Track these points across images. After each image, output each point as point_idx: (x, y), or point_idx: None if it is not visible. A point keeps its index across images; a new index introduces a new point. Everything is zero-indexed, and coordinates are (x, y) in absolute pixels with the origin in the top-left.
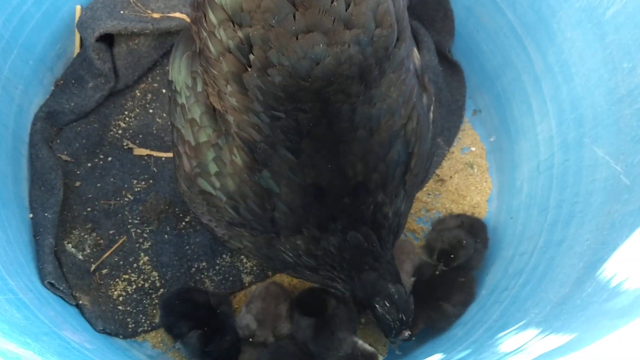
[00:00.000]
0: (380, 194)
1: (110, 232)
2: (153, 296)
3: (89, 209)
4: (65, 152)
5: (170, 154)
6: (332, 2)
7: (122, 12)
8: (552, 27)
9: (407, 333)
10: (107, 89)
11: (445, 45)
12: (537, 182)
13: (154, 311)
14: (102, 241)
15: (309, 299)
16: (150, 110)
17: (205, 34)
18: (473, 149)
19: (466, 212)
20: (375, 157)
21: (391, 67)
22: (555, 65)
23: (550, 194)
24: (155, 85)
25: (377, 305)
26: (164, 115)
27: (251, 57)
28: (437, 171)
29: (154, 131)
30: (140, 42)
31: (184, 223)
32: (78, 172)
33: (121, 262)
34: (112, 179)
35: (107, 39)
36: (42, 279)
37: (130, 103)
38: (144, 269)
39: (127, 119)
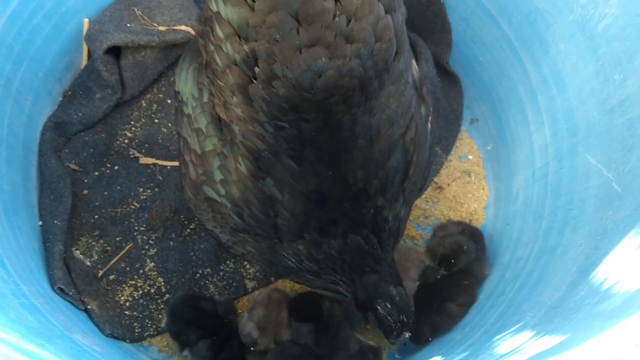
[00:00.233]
0: (380, 198)
1: (117, 239)
2: (159, 301)
3: (96, 217)
4: (73, 161)
5: (175, 163)
6: (334, 17)
7: (128, 25)
8: (547, 39)
9: (407, 334)
10: (114, 100)
11: (443, 57)
12: (533, 189)
13: (160, 316)
14: (109, 248)
15: (302, 304)
16: (156, 120)
17: (212, 47)
18: (470, 157)
19: (464, 219)
20: (375, 164)
21: (390, 79)
22: (550, 76)
23: (545, 201)
24: (160, 95)
25: (378, 307)
26: (169, 125)
27: (256, 69)
28: (436, 179)
29: (160, 140)
30: (146, 54)
31: (188, 230)
32: (86, 181)
33: (128, 268)
34: (118, 187)
35: (114, 51)
36: (52, 284)
37: (136, 113)
38: (150, 275)
39: (133, 128)
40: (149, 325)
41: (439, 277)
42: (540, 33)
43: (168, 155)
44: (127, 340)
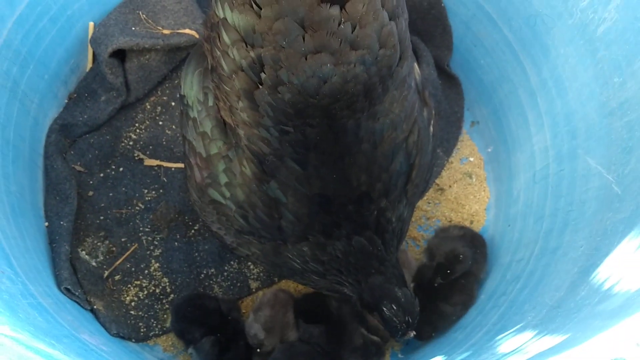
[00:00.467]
0: (384, 200)
1: (122, 239)
2: (164, 301)
3: (101, 218)
4: (79, 163)
5: (179, 165)
6: (339, 24)
7: (133, 28)
8: (547, 43)
9: (412, 333)
10: (119, 102)
11: (444, 60)
12: (533, 191)
13: (165, 316)
14: (114, 248)
15: (309, 305)
16: (160, 123)
17: (218, 53)
18: (471, 159)
19: (465, 220)
20: (379, 168)
21: (394, 85)
22: (550, 79)
23: (546, 202)
24: (164, 98)
25: (384, 309)
26: (173, 127)
27: (262, 75)
28: (437, 180)
29: (164, 142)
30: (150, 57)
31: (193, 231)
32: (91, 182)
33: (133, 269)
34: (123, 189)
35: (119, 54)
36: (58, 284)
37: (140, 115)
38: (155, 275)
39: (137, 130)
40: (154, 325)
41: (436, 285)
42: (540, 37)
43: (172, 157)
44: (133, 340)
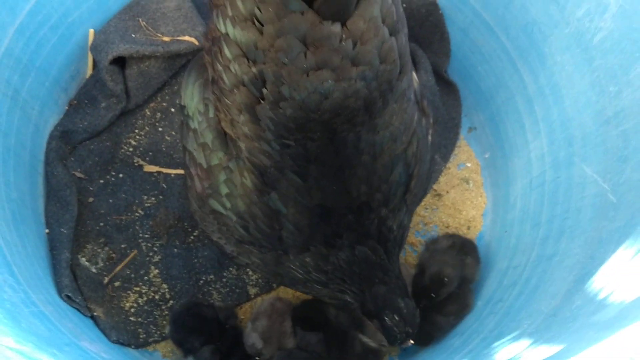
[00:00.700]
0: (384, 209)
1: (122, 246)
2: (163, 307)
3: (101, 224)
4: (79, 170)
5: (178, 171)
6: (340, 41)
7: (133, 35)
8: (543, 51)
9: (410, 342)
10: (119, 109)
11: (442, 66)
12: (530, 198)
13: (164, 322)
14: (114, 255)
15: (307, 312)
16: (160, 129)
17: (220, 67)
18: (469, 164)
19: (462, 226)
20: (379, 179)
21: (393, 98)
22: (547, 87)
23: (542, 209)
24: (164, 104)
25: (386, 318)
26: (173, 133)
27: (264, 91)
28: (435, 186)
29: (163, 149)
30: (150, 64)
31: (192, 237)
32: (91, 189)
33: (132, 275)
34: (123, 195)
35: (119, 61)
36: (59, 291)
37: (140, 122)
38: (154, 282)
39: (137, 137)
40: (154, 331)
41: (421, 306)
42: (537, 44)
43: (172, 163)
44: (133, 346)
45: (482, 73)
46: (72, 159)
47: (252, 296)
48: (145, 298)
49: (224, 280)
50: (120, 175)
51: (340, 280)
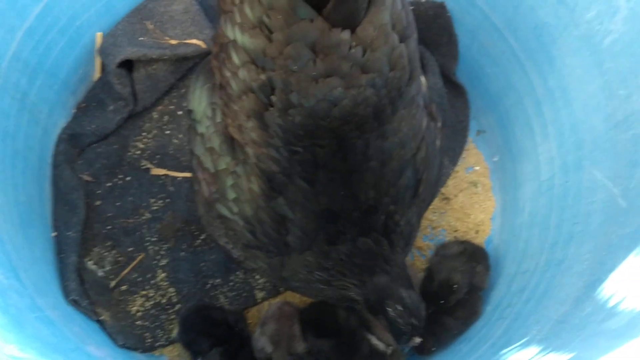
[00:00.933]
0: (392, 206)
1: (129, 249)
2: (170, 311)
3: (108, 227)
4: (87, 173)
5: (186, 174)
6: (350, 48)
7: (141, 38)
8: (553, 53)
9: (418, 340)
10: (127, 112)
11: (450, 68)
12: (539, 202)
13: (171, 326)
14: (121, 258)
15: (316, 314)
16: (167, 132)
17: (228, 73)
18: (477, 168)
19: (470, 230)
20: (387, 183)
21: (403, 104)
22: (556, 89)
23: (551, 214)
24: (171, 107)
25: (389, 309)
26: (180, 136)
27: (273, 98)
28: (443, 190)
29: (171, 151)
30: (158, 67)
31: (199, 241)
32: (98, 192)
33: (139, 279)
34: (130, 198)
35: (127, 64)
36: (66, 295)
37: (148, 125)
38: (161, 285)
39: (145, 140)
40: (161, 335)
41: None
42: (547, 47)
43: (179, 166)
44: (139, 351)
45: (491, 75)
46: (80, 162)
47: (259, 300)
48: (152, 302)
49: (231, 284)
50: (128, 178)
51: (340, 274)
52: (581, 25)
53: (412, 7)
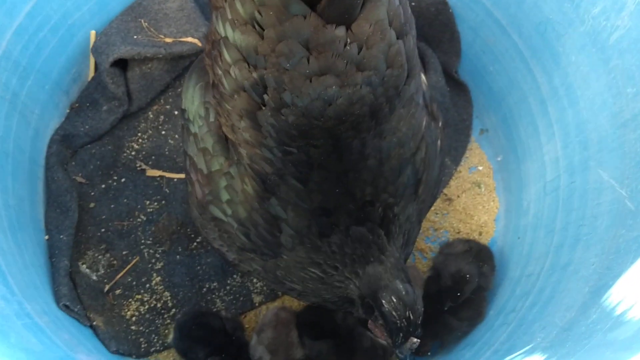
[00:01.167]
0: (390, 199)
1: (124, 252)
2: (165, 316)
3: (102, 230)
4: (80, 174)
5: (181, 175)
6: (345, 45)
7: (135, 37)
8: (557, 50)
9: (415, 341)
10: (121, 112)
11: (452, 66)
12: (544, 203)
13: (166, 331)
14: (115, 262)
15: (313, 317)
16: (163, 132)
17: (220, 71)
18: (480, 168)
19: (474, 231)
20: (385, 180)
21: (401, 103)
22: (561, 88)
23: (557, 215)
24: (167, 107)
25: (383, 301)
26: (176, 136)
27: (265, 97)
28: (445, 190)
29: (167, 152)
30: (153, 66)
31: (195, 244)
32: (92, 194)
33: (134, 283)
34: (125, 200)
35: (121, 63)
36: (57, 301)
37: (143, 125)
38: (157, 289)
39: (140, 140)
40: (155, 340)
41: (446, 308)
42: (551, 44)
43: (175, 167)
44: (134, 356)
45: (494, 73)
46: (73, 163)
47: (257, 304)
48: (147, 306)
49: (228, 287)
50: (122, 180)
51: (333, 269)
52: (587, 22)
53: (413, 4)
